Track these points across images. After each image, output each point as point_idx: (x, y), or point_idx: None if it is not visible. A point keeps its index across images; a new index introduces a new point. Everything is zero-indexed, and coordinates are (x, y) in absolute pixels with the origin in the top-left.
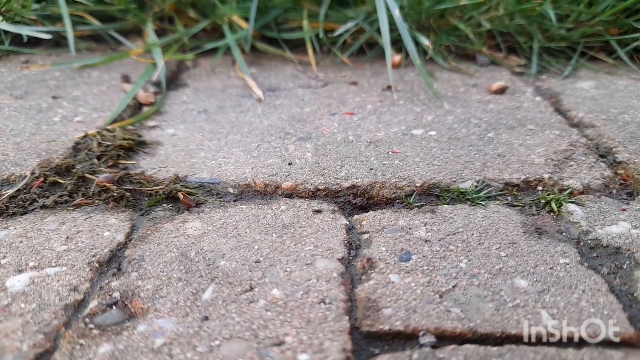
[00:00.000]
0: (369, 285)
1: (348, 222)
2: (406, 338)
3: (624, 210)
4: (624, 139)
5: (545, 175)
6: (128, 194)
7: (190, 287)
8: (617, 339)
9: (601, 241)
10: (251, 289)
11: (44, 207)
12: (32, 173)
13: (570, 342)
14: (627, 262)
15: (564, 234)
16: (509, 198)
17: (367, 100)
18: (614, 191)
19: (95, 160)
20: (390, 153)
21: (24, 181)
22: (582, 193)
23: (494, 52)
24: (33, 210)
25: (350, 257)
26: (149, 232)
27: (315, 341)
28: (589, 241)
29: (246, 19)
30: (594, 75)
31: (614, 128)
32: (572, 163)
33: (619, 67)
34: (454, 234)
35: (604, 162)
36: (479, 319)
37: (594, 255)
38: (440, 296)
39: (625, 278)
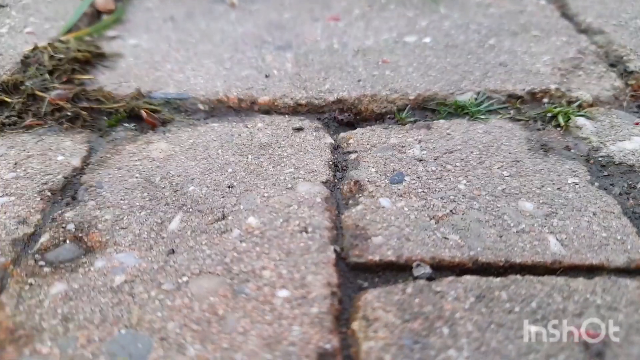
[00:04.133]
0: (356, 210)
1: (333, 141)
2: (398, 269)
3: (637, 124)
4: (636, 46)
5: (552, 86)
6: (84, 112)
7: (155, 217)
8: (631, 266)
9: (613, 158)
10: (224, 217)
11: None
12: None
13: (581, 271)
14: None
15: (572, 150)
16: (512, 111)
17: (354, 4)
18: (625, 103)
19: (47, 76)
20: (380, 63)
21: None
22: (591, 105)
23: None
24: None
25: (336, 180)
26: (108, 155)
27: (296, 275)
28: (600, 158)
29: None
30: None
31: (625, 34)
32: (580, 73)
33: None
34: (452, 152)
35: (614, 71)
36: (480, 247)
37: (605, 174)
38: (437, 222)
39: (639, 199)
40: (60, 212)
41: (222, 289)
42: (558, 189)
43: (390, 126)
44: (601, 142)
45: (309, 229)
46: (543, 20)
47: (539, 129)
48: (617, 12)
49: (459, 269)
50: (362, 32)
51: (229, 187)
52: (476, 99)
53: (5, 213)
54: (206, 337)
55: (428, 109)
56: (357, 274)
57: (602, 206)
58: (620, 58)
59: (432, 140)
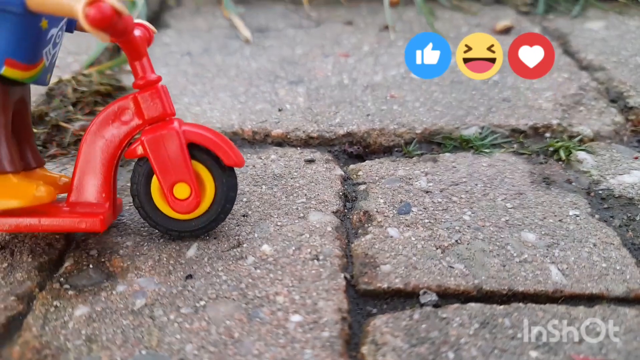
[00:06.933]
0: (365, 240)
1: (343, 172)
2: (406, 296)
3: (636, 158)
4: (636, 82)
5: (554, 121)
6: None
7: (173, 244)
8: (630, 296)
9: (613, 191)
10: (239, 244)
11: None
12: None
13: (581, 300)
14: None
15: (573, 183)
16: (515, 145)
17: (363, 41)
18: (625, 138)
19: (71, 108)
20: (388, 97)
21: None
22: (592, 140)
23: None
24: None
25: (346, 210)
26: (129, 184)
27: (308, 301)
28: (600, 191)
29: None
30: (604, 15)
31: (625, 71)
32: (581, 108)
33: (630, 6)
34: (457, 184)
35: (614, 107)
36: (484, 276)
37: (606, 206)
38: (443, 251)
39: (638, 231)
40: (83, 238)
41: (237, 313)
42: (560, 220)
43: (397, 159)
44: (601, 176)
45: (320, 257)
46: None
47: (541, 163)
48: (618, 50)
49: (464, 297)
50: (371, 68)
51: (243, 215)
52: (480, 134)
53: (31, 238)
54: (222, 359)
55: (434, 142)
56: (366, 300)
57: (602, 237)
58: (620, 94)
59: (438, 173)
